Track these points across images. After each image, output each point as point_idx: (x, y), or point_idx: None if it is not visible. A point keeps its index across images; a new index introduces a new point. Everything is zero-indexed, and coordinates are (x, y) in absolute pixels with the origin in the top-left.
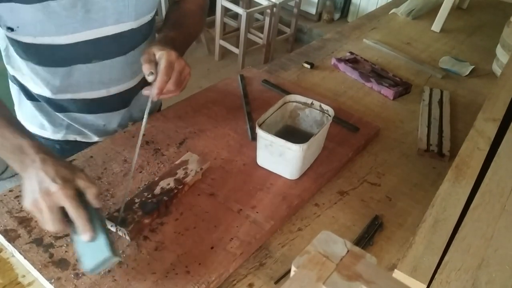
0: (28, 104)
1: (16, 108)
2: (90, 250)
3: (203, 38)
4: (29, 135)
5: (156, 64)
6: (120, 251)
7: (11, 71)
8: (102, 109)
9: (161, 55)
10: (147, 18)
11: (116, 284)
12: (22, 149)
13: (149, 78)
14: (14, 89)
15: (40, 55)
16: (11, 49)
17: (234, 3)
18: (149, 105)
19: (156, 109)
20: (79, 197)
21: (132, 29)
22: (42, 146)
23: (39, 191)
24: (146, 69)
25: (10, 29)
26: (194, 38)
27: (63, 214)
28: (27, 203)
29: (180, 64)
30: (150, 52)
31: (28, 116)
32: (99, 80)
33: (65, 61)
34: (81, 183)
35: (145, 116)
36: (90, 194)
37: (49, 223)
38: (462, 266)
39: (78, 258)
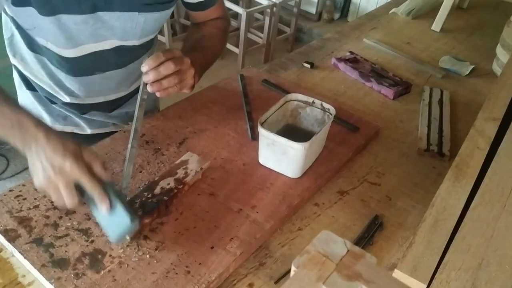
0: (27, 93)
1: (18, 97)
2: (111, 221)
3: None
4: (27, 111)
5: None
6: (137, 219)
7: (13, 60)
8: (99, 111)
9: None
10: (151, 37)
11: (116, 284)
12: (21, 124)
13: (143, 68)
14: (16, 78)
15: (48, 56)
16: (16, 38)
17: (234, 3)
18: (141, 87)
19: (155, 108)
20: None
21: (134, 45)
22: (41, 121)
23: (52, 169)
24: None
25: (27, 29)
26: (213, 60)
27: (77, 189)
28: (41, 182)
29: (179, 53)
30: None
31: (28, 105)
32: (98, 89)
33: (68, 71)
34: (87, 156)
35: (138, 98)
36: (97, 167)
37: (66, 199)
38: (462, 266)
39: (102, 230)
